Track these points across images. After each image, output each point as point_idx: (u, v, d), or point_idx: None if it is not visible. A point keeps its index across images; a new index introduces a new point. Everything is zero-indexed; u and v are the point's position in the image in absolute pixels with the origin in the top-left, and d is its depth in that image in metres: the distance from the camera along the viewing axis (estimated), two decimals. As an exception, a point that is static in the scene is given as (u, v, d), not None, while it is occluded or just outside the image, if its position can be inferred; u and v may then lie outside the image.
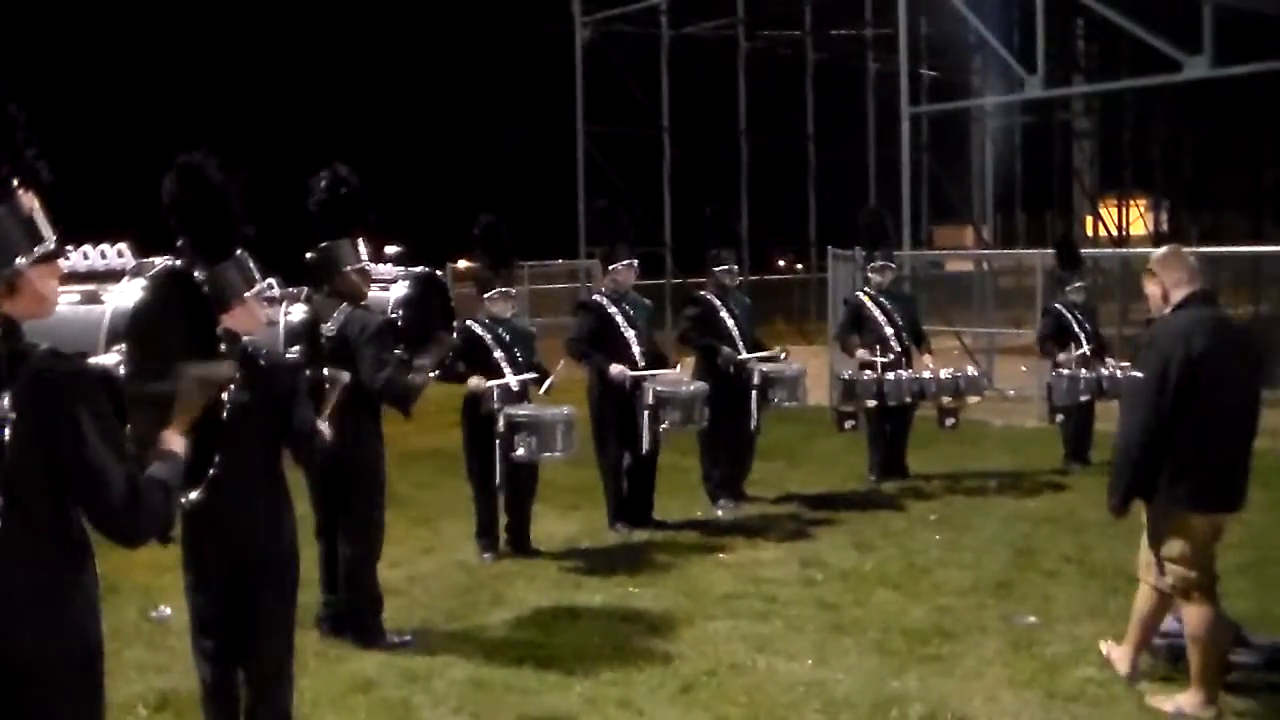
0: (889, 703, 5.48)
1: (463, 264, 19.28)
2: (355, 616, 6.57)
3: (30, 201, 3.13)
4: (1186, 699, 5.33)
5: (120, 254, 3.77)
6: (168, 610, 6.84)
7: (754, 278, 25.04)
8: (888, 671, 5.90)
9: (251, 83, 38.57)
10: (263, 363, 4.65)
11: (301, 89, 39.17)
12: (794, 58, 26.55)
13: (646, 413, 8.77)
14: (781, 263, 36.83)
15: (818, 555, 8.10)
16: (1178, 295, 5.35)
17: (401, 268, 7.53)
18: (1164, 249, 5.72)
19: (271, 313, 5.28)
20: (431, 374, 7.38)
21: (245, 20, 39.33)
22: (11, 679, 3.14)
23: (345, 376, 5.47)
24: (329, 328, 6.36)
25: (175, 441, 3.50)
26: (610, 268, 9.20)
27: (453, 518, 9.29)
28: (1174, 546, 5.31)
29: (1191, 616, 5.32)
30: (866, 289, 10.62)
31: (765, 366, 9.58)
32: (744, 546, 8.46)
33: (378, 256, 7.48)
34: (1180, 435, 5.16)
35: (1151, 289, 5.50)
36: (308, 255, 6.61)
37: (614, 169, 23.20)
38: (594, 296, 9.34)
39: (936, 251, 23.35)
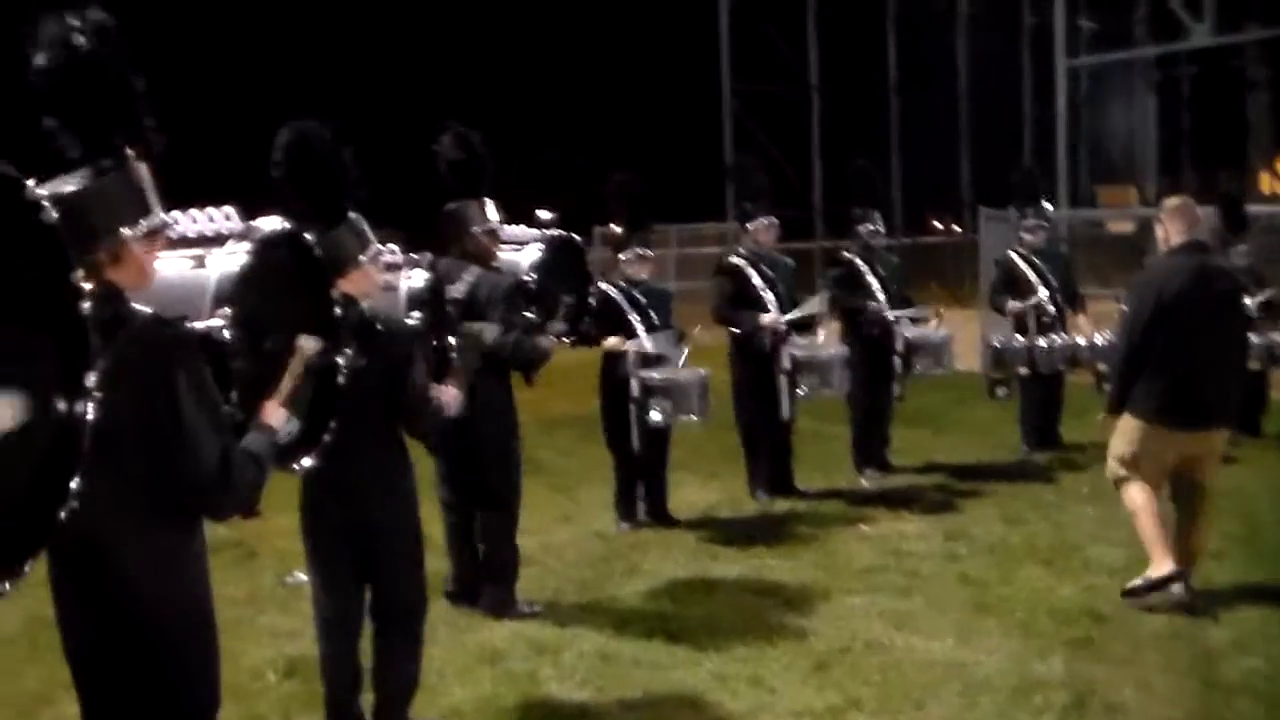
0: (1032, 688, 5.19)
1: (613, 227, 19.03)
2: (489, 584, 6.51)
3: (143, 173, 3.11)
4: (1150, 570, 6.20)
5: (228, 217, 3.70)
6: (303, 576, 6.84)
7: (907, 240, 24.46)
8: (1032, 654, 5.60)
9: (382, 44, 38.91)
10: (379, 327, 4.59)
11: (443, 52, 39.46)
12: (945, 11, 25.83)
13: (783, 377, 8.57)
14: (939, 224, 35.92)
15: (963, 528, 7.79)
16: (1175, 242, 6.18)
17: (537, 231, 7.41)
18: (1176, 199, 6.47)
19: (391, 277, 5.21)
20: (564, 339, 7.28)
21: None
22: (130, 646, 3.14)
23: (494, 329, 5.37)
24: (458, 290, 6.27)
25: (274, 414, 3.45)
26: (748, 227, 8.96)
27: (592, 485, 9.20)
28: (1119, 444, 6.29)
29: (1125, 501, 6.34)
30: (1018, 249, 10.19)
31: (910, 333, 9.24)
32: (887, 518, 8.18)
33: (530, 221, 7.40)
34: (1152, 359, 6.07)
35: (1159, 233, 6.31)
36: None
37: (762, 128, 22.88)
38: (731, 258, 9.11)
39: (1093, 211, 22.43)
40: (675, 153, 28.71)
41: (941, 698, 5.16)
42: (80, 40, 3.02)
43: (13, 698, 5.49)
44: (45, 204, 2.39)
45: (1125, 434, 6.28)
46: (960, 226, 27.71)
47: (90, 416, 2.52)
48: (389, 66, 38.64)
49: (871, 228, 9.50)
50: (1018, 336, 9.64)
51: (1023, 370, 9.67)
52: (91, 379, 2.53)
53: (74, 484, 2.52)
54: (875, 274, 9.39)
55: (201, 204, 3.76)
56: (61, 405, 2.49)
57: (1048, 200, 11.31)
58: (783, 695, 5.24)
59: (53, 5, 3.07)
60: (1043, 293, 9.80)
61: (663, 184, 8.98)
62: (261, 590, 6.98)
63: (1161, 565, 6.13)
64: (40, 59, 3.03)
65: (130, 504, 3.06)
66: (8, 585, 2.42)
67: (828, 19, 23.91)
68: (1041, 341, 9.50)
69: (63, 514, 2.51)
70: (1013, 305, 9.72)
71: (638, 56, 36.99)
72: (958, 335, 11.01)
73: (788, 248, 10.96)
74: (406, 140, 6.70)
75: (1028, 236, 10.10)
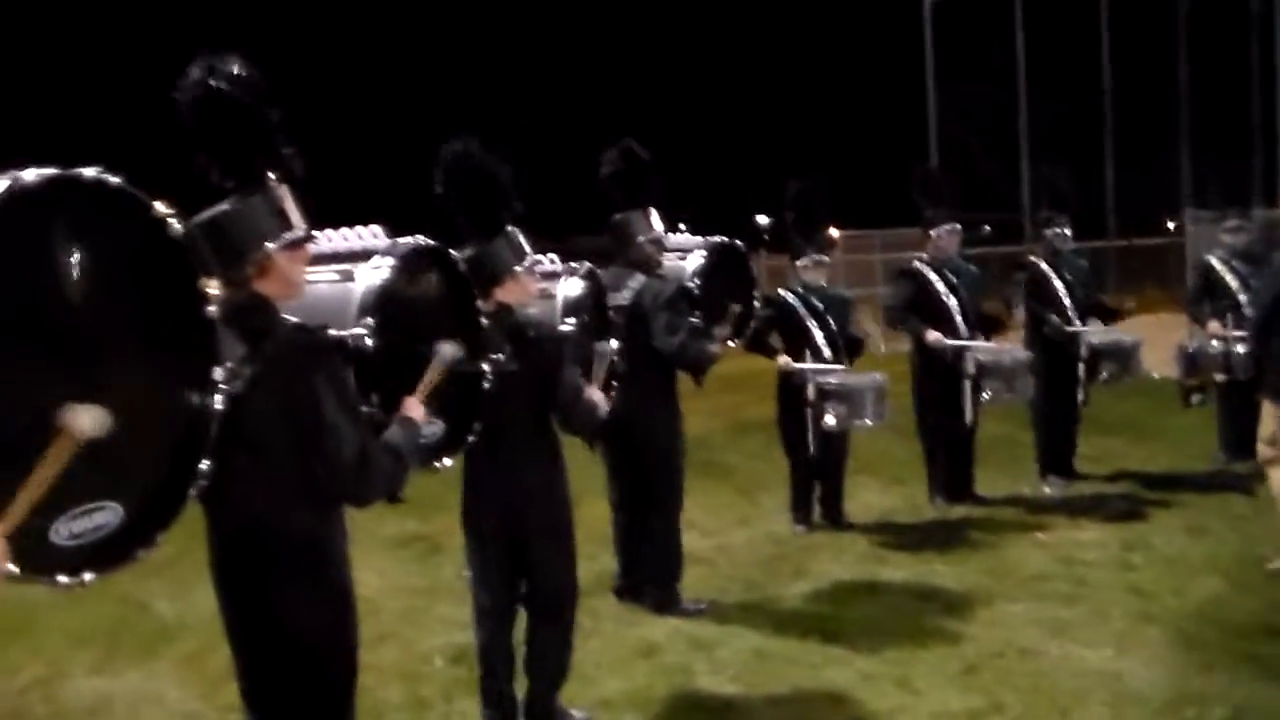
0: (1186, 701, 5.09)
1: (833, 232, 19.18)
2: (653, 583, 6.72)
3: (284, 193, 3.41)
4: None
5: (375, 234, 4.01)
6: None
7: (1122, 242, 23.69)
8: (1193, 668, 5.47)
9: (555, 56, 39.82)
10: (531, 334, 4.83)
11: (643, 58, 40.08)
12: (1163, 5, 24.82)
13: (967, 382, 8.54)
14: (1171, 225, 34.42)
15: (1143, 538, 7.60)
16: None
17: (700, 238, 7.58)
18: None
19: (548, 285, 5.45)
20: (731, 344, 7.43)
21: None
22: (274, 627, 3.44)
23: (611, 347, 5.56)
24: (623, 297, 6.50)
25: (414, 409, 3.71)
26: (931, 234, 8.95)
27: (773, 489, 9.28)
28: (1267, 425, 6.91)
29: (1272, 482, 6.99)
30: (1219, 252, 9.85)
31: (1095, 338, 9.05)
32: (1065, 526, 8.05)
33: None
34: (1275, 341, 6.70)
35: None
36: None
37: (967, 130, 22.47)
38: (913, 264, 9.12)
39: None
40: (880, 156, 28.52)
41: (1088, 707, 5.11)
42: (216, 84, 3.34)
43: (204, 674, 5.95)
44: (171, 220, 2.70)
45: (1271, 415, 6.84)
46: (1180, 228, 26.68)
47: (218, 407, 2.82)
48: (577, 78, 39.60)
49: (1058, 231, 9.35)
50: (1214, 341, 9.32)
51: (1219, 376, 9.34)
52: (219, 374, 2.83)
53: (203, 466, 2.82)
54: (1062, 279, 9.22)
55: (351, 224, 4.07)
56: (194, 398, 2.79)
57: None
58: (926, 697, 5.28)
59: (197, 51, 3.41)
60: (1242, 298, 9.44)
61: (867, 188, 9.08)
62: (441, 582, 7.32)
63: None
64: (185, 103, 3.37)
65: (279, 494, 3.36)
66: (141, 553, 2.73)
67: (1036, 15, 23.26)
68: (1239, 346, 9.16)
69: (192, 492, 2.82)
70: (1213, 326, 9.38)
71: (844, 62, 36.86)
72: (1169, 340, 10.70)
73: (997, 253, 10.77)
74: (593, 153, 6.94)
75: (1228, 239, 9.76)
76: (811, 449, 8.10)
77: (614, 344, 5.63)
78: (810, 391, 7.90)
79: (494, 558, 5.03)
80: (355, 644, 3.59)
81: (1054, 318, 9.02)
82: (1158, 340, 10.78)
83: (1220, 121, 24.19)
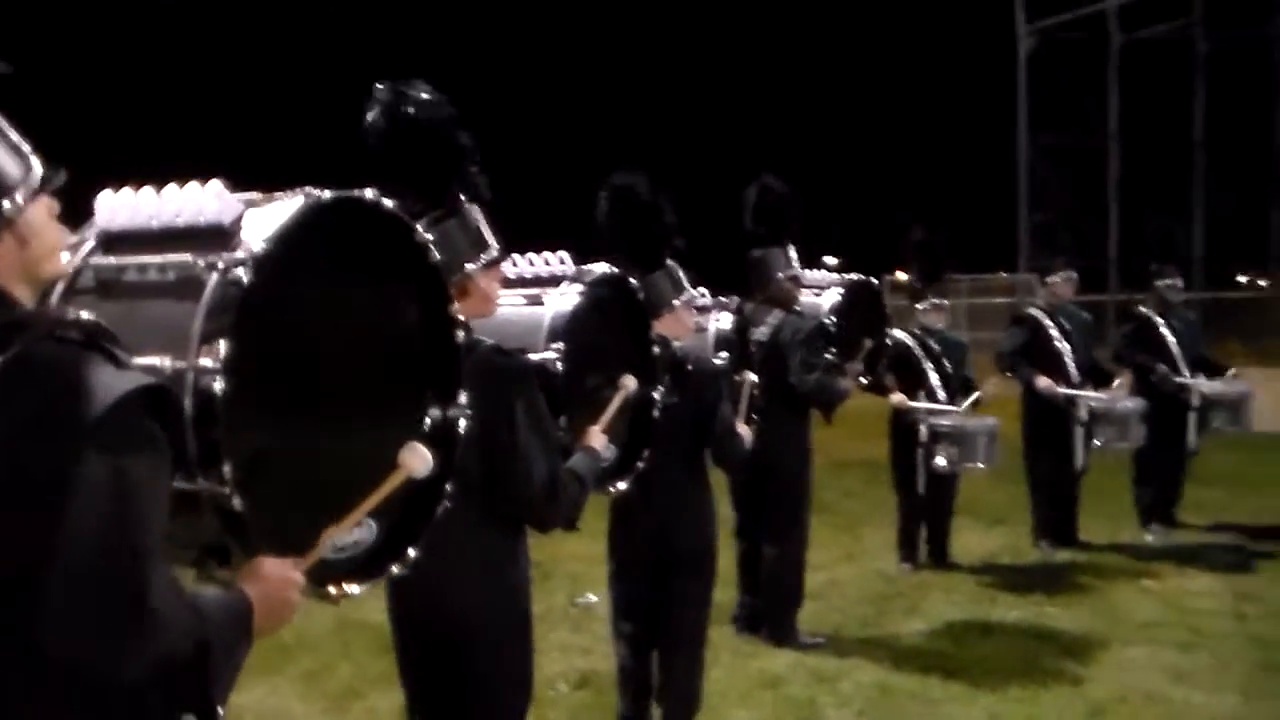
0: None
1: (899, 274, 19.36)
2: (772, 614, 6.87)
3: (476, 214, 3.52)
4: None
5: (561, 261, 4.18)
6: (594, 597, 7.31)
7: (1208, 295, 23.51)
8: (1324, 719, 5.56)
9: (689, 97, 40.41)
10: (690, 367, 5.00)
11: (737, 103, 40.59)
12: (1259, 58, 24.72)
13: (1079, 429, 8.64)
14: (1242, 279, 34.11)
15: (1254, 589, 7.66)
16: None
17: (836, 275, 7.76)
18: None
19: (701, 319, 5.63)
20: (859, 381, 7.60)
21: (676, 41, 41.37)
22: (456, 642, 3.54)
23: (751, 377, 5.71)
24: (762, 333, 6.69)
25: (596, 438, 3.87)
26: (1047, 281, 9.11)
27: (876, 526, 9.43)
28: None
29: None
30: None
31: (1205, 388, 9.12)
32: (1172, 574, 8.12)
33: (814, 266, 7.77)
34: None
35: None
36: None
37: (1056, 180, 22.50)
38: (1029, 310, 9.26)
39: None
40: (967, 202, 28.56)
41: (1220, 752, 5.22)
42: (407, 110, 3.40)
43: (327, 692, 6.11)
44: (432, 246, 2.80)
45: None
46: (1268, 281, 26.39)
47: (462, 428, 2.92)
48: (704, 121, 40.19)
49: (1170, 283, 9.44)
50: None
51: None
52: (463, 397, 2.92)
53: (449, 486, 2.89)
54: (1171, 330, 9.30)
55: (539, 249, 4.25)
56: (436, 414, 2.89)
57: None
58: (1057, 736, 5.40)
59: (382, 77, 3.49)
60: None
61: (953, 233, 9.24)
62: (555, 609, 7.43)
63: None
64: (375, 130, 3.42)
65: (464, 514, 3.29)
66: (394, 569, 2.79)
67: (1128, 70, 23.26)
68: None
69: (440, 510, 2.87)
70: None
71: (934, 105, 37.00)
72: (1262, 395, 10.70)
73: (1080, 300, 10.86)
74: (718, 190, 7.15)
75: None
76: (921, 489, 8.25)
77: (754, 377, 5.80)
78: (923, 432, 8.05)
79: (639, 583, 5.11)
80: (531, 672, 3.70)
81: (1162, 367, 9.10)
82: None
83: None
